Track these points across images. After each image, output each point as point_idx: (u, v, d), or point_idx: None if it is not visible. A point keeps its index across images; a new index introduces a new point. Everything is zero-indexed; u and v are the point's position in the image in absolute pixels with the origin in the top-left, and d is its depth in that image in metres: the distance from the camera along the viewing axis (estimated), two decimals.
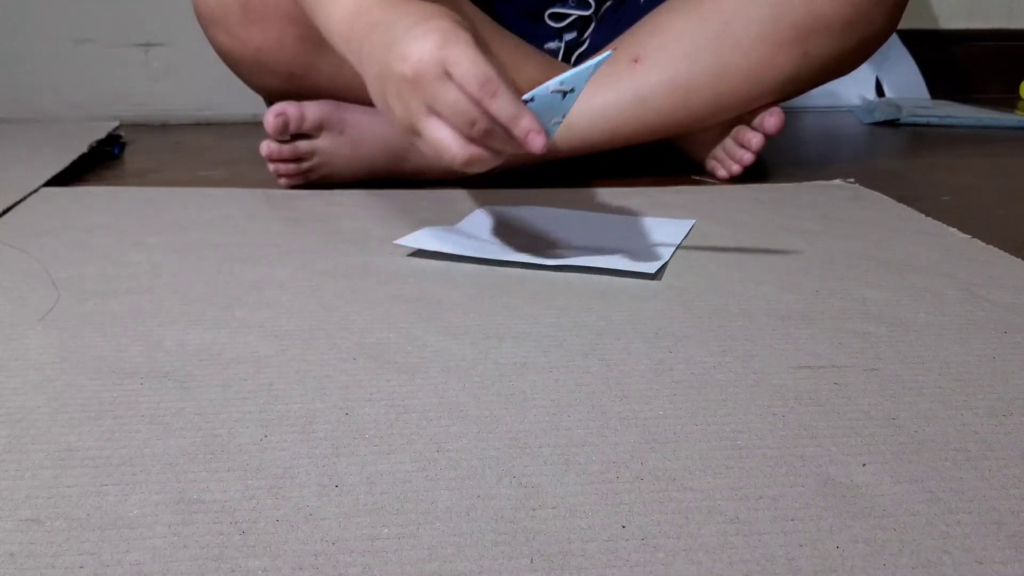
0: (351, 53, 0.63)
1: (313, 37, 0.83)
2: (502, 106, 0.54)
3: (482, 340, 0.51)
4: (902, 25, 1.01)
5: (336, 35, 0.65)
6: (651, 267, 0.63)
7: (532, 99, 0.55)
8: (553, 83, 0.56)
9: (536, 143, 0.54)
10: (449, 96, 0.54)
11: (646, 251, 0.67)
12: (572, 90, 0.56)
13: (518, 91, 0.55)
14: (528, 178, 0.91)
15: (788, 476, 0.37)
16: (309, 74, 0.85)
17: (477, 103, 0.54)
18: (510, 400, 0.44)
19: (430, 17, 0.57)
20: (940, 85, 1.58)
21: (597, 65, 0.56)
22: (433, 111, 0.56)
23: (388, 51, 0.57)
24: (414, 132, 0.58)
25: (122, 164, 1.07)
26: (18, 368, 0.47)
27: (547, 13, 0.97)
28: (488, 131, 0.55)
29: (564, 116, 0.58)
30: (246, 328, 0.53)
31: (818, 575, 0.31)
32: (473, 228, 0.72)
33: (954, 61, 1.64)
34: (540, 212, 0.78)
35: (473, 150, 0.56)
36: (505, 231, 0.71)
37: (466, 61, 0.54)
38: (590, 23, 0.99)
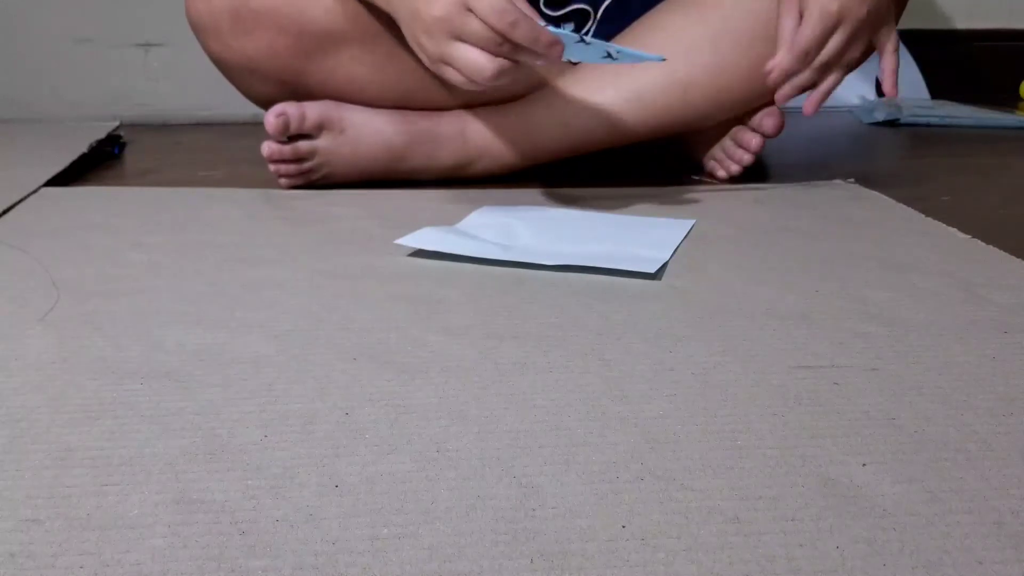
0: (383, 1, 0.74)
1: (305, 45, 0.84)
2: (523, 32, 0.63)
3: (482, 340, 0.51)
4: (902, 25, 1.01)
5: None
6: (651, 267, 0.63)
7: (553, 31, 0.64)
8: (589, 39, 0.66)
9: (555, 52, 0.64)
10: (474, 27, 0.64)
11: (646, 251, 0.67)
12: (590, 44, 0.66)
13: (534, 16, 0.64)
14: (528, 178, 0.91)
15: (788, 476, 0.37)
16: (300, 81, 0.86)
17: (499, 33, 0.63)
18: (510, 400, 0.44)
19: None
20: (940, 85, 1.58)
21: (640, 58, 0.68)
22: (460, 40, 0.65)
23: (408, 5, 0.68)
24: (444, 62, 0.67)
25: (122, 164, 1.07)
26: (18, 368, 0.47)
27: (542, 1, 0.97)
28: (512, 49, 0.64)
29: (582, 61, 0.69)
30: (246, 328, 0.53)
31: (818, 575, 0.31)
32: (473, 228, 0.72)
33: (954, 61, 1.64)
34: (540, 212, 0.78)
35: (500, 62, 0.65)
36: (505, 231, 0.71)
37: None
38: (589, 17, 0.99)
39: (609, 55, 0.68)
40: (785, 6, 0.78)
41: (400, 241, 0.67)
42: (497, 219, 0.75)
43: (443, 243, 0.66)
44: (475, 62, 0.65)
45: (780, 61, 0.77)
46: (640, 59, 0.69)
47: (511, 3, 0.63)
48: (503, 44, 0.64)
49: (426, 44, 0.68)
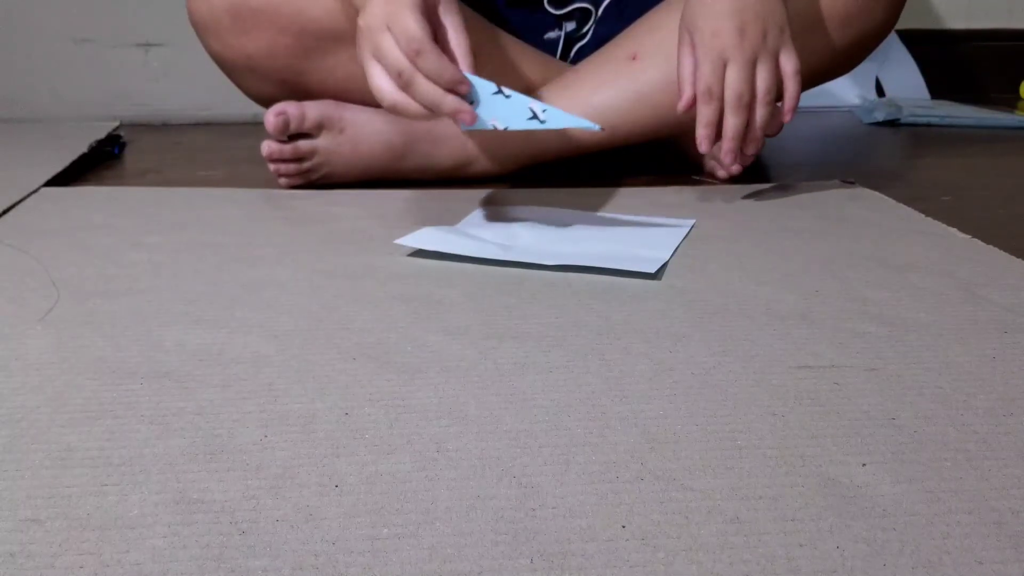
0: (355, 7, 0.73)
1: (304, 45, 0.84)
2: (427, 62, 0.63)
3: (482, 340, 0.51)
4: (902, 24, 1.01)
5: None
6: (651, 266, 0.62)
7: (471, 82, 0.65)
8: (508, 92, 0.65)
9: (460, 116, 0.65)
10: (387, 45, 0.64)
11: (646, 251, 0.67)
12: (510, 98, 0.66)
13: (459, 62, 0.65)
14: (528, 178, 0.91)
15: (788, 476, 0.37)
16: (300, 80, 0.86)
17: (406, 56, 0.63)
18: (510, 400, 0.44)
19: None
20: (940, 85, 1.58)
21: (573, 123, 0.66)
22: (375, 58, 0.65)
23: (361, 7, 0.68)
24: (364, 72, 0.67)
25: (122, 164, 1.07)
26: (18, 368, 0.47)
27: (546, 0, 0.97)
28: (411, 83, 0.64)
29: (507, 127, 0.66)
30: (246, 328, 0.53)
31: (818, 575, 0.31)
32: (473, 228, 0.72)
33: (954, 61, 1.64)
34: (540, 212, 0.78)
35: (399, 97, 0.65)
36: (505, 231, 0.71)
37: (403, 20, 0.63)
38: (591, 16, 0.99)
39: (535, 116, 0.66)
40: (681, 48, 0.76)
41: (400, 241, 0.67)
42: (497, 219, 0.75)
43: (443, 243, 0.66)
44: (377, 86, 0.65)
45: (684, 103, 0.75)
46: (572, 124, 0.66)
47: (424, 33, 0.63)
48: (403, 74, 0.63)
49: (357, 50, 0.67)
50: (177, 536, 0.33)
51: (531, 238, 0.70)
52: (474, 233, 0.70)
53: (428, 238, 0.67)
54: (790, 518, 0.34)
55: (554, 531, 0.33)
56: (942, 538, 0.33)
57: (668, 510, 0.35)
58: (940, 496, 0.35)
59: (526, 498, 0.35)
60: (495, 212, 0.77)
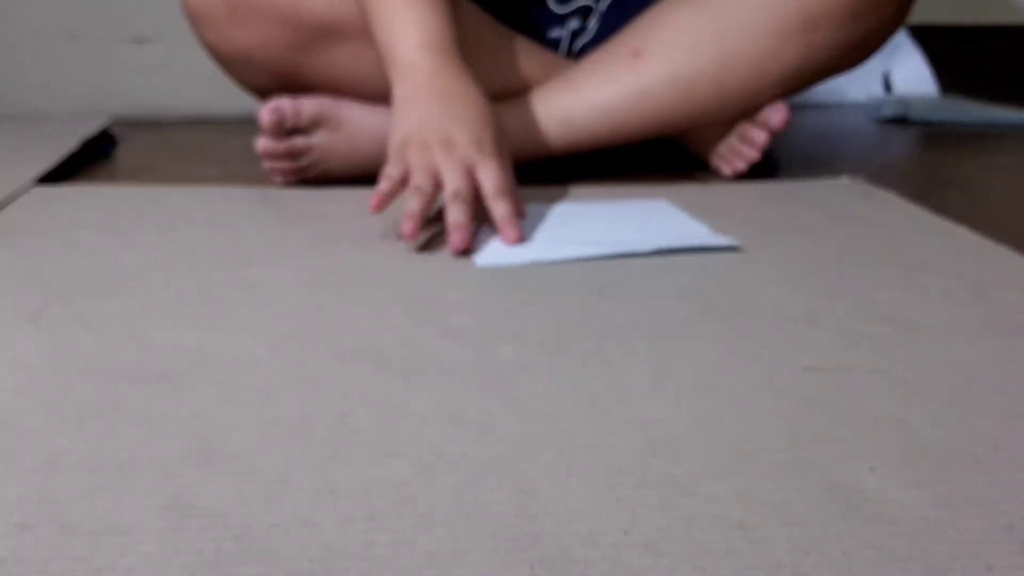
0: (401, 84, 0.74)
1: (302, 38, 0.83)
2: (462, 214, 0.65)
3: (481, 341, 0.50)
4: (911, 19, 1.00)
5: (397, 68, 0.75)
6: (727, 240, 0.67)
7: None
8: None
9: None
10: (423, 179, 0.66)
11: (700, 227, 0.70)
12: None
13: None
14: (528, 176, 0.91)
15: (794, 480, 0.36)
16: (298, 74, 0.85)
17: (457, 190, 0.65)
18: (510, 403, 0.43)
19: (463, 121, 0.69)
20: (950, 81, 1.57)
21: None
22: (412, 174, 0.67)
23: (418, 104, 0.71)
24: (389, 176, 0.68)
25: (114, 161, 1.07)
26: (7, 370, 0.47)
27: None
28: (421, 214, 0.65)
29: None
30: (240, 329, 0.52)
31: None
32: (536, 233, 0.70)
33: (965, 57, 1.63)
34: (569, 207, 0.79)
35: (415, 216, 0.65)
36: (564, 230, 0.71)
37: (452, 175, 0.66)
38: (591, 12, 0.98)
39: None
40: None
41: (481, 263, 0.64)
42: (547, 220, 0.74)
43: (526, 254, 0.65)
44: (391, 175, 0.67)
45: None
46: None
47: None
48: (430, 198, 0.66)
49: (408, 162, 0.68)
50: (170, 542, 0.32)
51: (597, 231, 0.71)
52: (541, 238, 0.69)
53: (507, 253, 0.65)
54: (796, 523, 0.34)
55: (555, 537, 0.33)
56: (951, 543, 0.32)
57: (671, 516, 0.34)
58: (949, 501, 0.35)
59: (526, 503, 0.35)
60: (538, 214, 0.76)
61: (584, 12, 0.98)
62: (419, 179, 0.67)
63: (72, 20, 1.38)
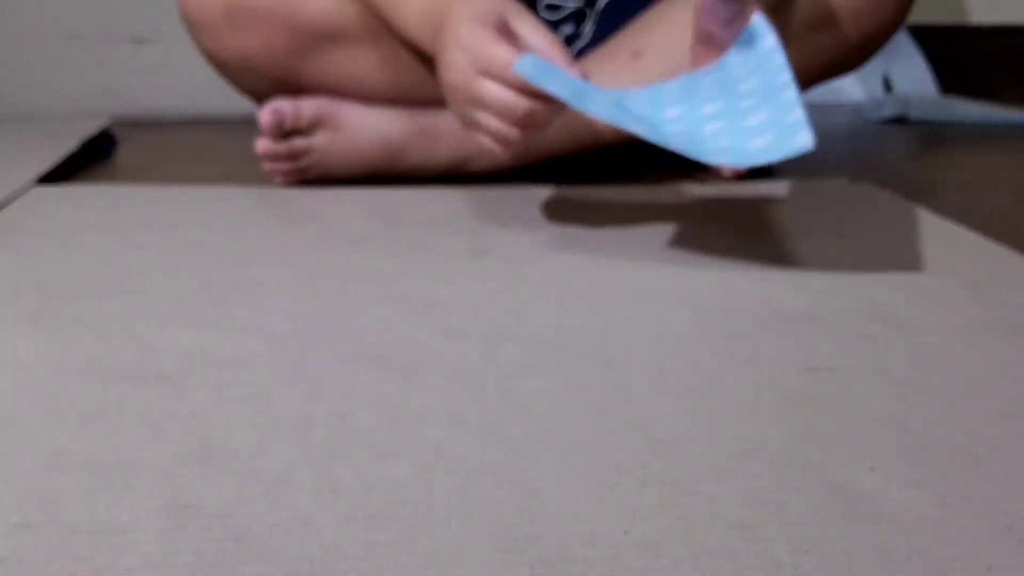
0: (432, 50, 0.72)
1: (300, 43, 0.83)
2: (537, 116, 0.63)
3: (482, 342, 0.50)
4: (911, 19, 1.00)
5: (416, 37, 0.75)
6: (806, 140, 0.55)
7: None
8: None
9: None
10: (492, 92, 0.63)
11: (776, 119, 0.58)
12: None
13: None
14: (529, 176, 0.91)
15: (794, 481, 0.36)
16: (296, 79, 0.86)
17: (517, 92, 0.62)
18: (510, 403, 0.43)
19: (462, 21, 0.65)
20: (950, 81, 1.57)
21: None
22: (481, 106, 0.64)
23: (440, 59, 0.67)
24: (470, 127, 0.67)
25: (114, 162, 1.07)
26: (7, 370, 0.47)
27: (544, 5, 0.97)
28: (529, 112, 0.63)
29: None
30: (240, 330, 0.52)
31: None
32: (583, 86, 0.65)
33: (964, 57, 1.62)
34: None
35: (514, 132, 0.64)
36: (632, 99, 0.67)
37: (498, 61, 0.62)
38: (585, 17, 0.98)
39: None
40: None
41: (517, 67, 0.61)
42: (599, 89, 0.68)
43: (566, 90, 0.61)
44: (498, 122, 0.64)
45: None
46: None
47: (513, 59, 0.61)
48: (516, 109, 0.63)
49: (454, 109, 0.68)
50: (170, 542, 0.32)
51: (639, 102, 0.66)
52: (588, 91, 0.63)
53: (552, 77, 0.61)
54: (796, 523, 0.33)
55: (555, 537, 0.33)
56: (951, 544, 0.32)
57: (672, 516, 0.34)
58: (949, 501, 0.35)
59: (526, 503, 0.35)
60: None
61: (578, 17, 0.98)
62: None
63: (72, 20, 1.38)
